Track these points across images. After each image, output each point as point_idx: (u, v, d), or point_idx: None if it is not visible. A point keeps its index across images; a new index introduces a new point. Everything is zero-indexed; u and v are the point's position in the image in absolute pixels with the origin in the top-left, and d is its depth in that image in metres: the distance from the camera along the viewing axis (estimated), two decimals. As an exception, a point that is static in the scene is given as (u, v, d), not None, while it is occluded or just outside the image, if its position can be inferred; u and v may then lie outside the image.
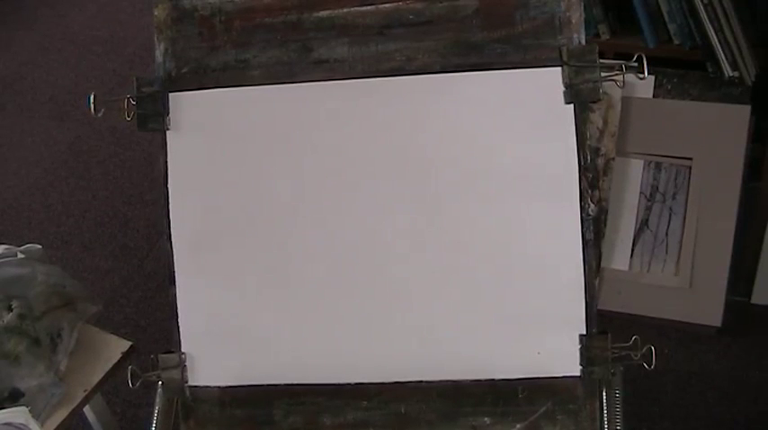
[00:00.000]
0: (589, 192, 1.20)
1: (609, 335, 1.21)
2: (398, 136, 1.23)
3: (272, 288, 1.27)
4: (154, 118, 1.26)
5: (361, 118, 1.24)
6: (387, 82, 1.22)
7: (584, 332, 1.21)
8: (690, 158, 1.97)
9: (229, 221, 1.27)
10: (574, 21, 1.19)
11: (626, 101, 1.96)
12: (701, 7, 1.78)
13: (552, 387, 1.23)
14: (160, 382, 1.30)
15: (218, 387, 1.29)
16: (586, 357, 1.21)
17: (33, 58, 3.19)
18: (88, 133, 2.82)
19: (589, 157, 1.20)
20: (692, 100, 1.96)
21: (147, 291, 2.30)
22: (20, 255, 1.48)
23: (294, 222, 1.26)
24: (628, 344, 1.21)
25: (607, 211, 2.00)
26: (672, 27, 1.88)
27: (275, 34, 1.24)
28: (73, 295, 1.46)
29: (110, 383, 1.45)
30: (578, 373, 1.22)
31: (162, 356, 1.28)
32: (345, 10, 1.23)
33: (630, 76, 1.21)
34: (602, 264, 2.02)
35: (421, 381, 1.25)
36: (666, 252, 2.00)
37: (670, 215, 2.00)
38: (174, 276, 1.27)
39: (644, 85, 1.96)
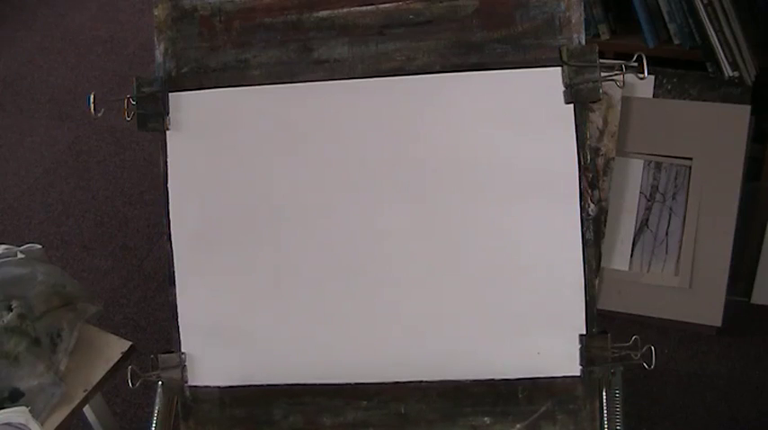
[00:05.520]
0: (589, 192, 1.20)
1: (609, 335, 1.21)
2: (398, 136, 1.23)
3: (271, 288, 1.27)
4: (154, 118, 1.26)
5: (361, 118, 1.24)
6: (387, 82, 1.22)
7: (584, 332, 1.21)
8: (690, 158, 1.97)
9: (229, 221, 1.27)
10: (574, 21, 1.19)
11: (626, 101, 1.96)
12: (701, 7, 1.78)
13: (552, 387, 1.23)
14: (160, 382, 1.30)
15: (218, 387, 1.29)
16: (586, 357, 1.21)
17: (33, 58, 3.19)
18: (88, 133, 2.82)
19: (589, 157, 1.20)
20: (692, 100, 1.96)
21: (147, 290, 2.30)
22: (20, 255, 1.48)
23: (294, 222, 1.26)
24: (628, 344, 1.21)
25: (607, 211, 2.00)
26: (672, 27, 1.88)
27: (275, 34, 1.24)
28: (73, 295, 1.46)
29: (110, 383, 1.45)
30: (578, 373, 1.22)
31: (162, 356, 1.28)
32: (345, 10, 1.23)
33: (630, 76, 1.21)
34: (602, 264, 2.02)
35: (421, 381, 1.25)
36: (666, 252, 1.99)
37: (670, 215, 1.99)
38: (174, 276, 1.27)
39: (644, 84, 1.96)
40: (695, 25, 1.83)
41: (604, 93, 1.81)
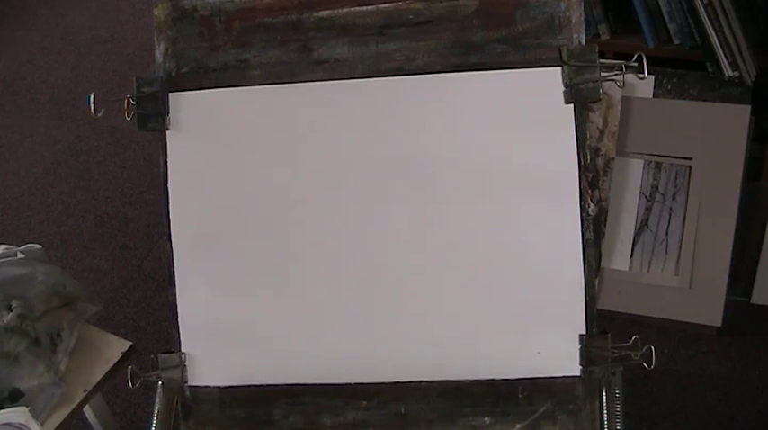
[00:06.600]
0: (589, 192, 1.20)
1: (609, 335, 1.21)
2: (398, 136, 1.23)
3: (271, 288, 1.27)
4: (154, 118, 1.26)
5: (360, 118, 1.24)
6: (387, 82, 1.22)
7: (584, 332, 1.21)
8: (690, 158, 1.97)
9: (229, 221, 1.27)
10: (574, 21, 1.19)
11: (626, 101, 1.96)
12: (701, 7, 1.78)
13: (552, 387, 1.23)
14: (160, 382, 1.30)
15: (218, 387, 1.29)
16: (586, 357, 1.21)
17: (33, 58, 3.19)
18: (88, 133, 2.82)
19: (589, 157, 1.20)
20: (692, 100, 1.96)
21: (147, 291, 2.30)
22: (20, 255, 1.48)
23: (294, 222, 1.26)
24: (628, 344, 1.21)
25: (607, 211, 2.00)
26: (672, 27, 1.88)
27: (275, 34, 1.24)
28: (73, 295, 1.46)
29: (110, 383, 1.45)
30: (578, 373, 1.22)
31: (162, 356, 1.28)
32: (345, 10, 1.23)
33: (630, 76, 1.21)
34: (602, 264, 2.02)
35: (421, 381, 1.25)
36: (666, 252, 1.99)
37: (670, 215, 1.99)
38: (174, 276, 1.27)
39: (644, 84, 1.96)
40: (695, 25, 1.82)
41: (604, 93, 1.81)
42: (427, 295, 1.24)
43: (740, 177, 1.93)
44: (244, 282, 1.27)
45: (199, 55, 1.26)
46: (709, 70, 1.87)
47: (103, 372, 1.42)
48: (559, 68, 1.19)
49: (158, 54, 1.26)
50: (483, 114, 1.21)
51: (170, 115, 1.26)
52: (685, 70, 1.97)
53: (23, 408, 1.30)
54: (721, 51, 1.81)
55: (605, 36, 1.96)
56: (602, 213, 2.00)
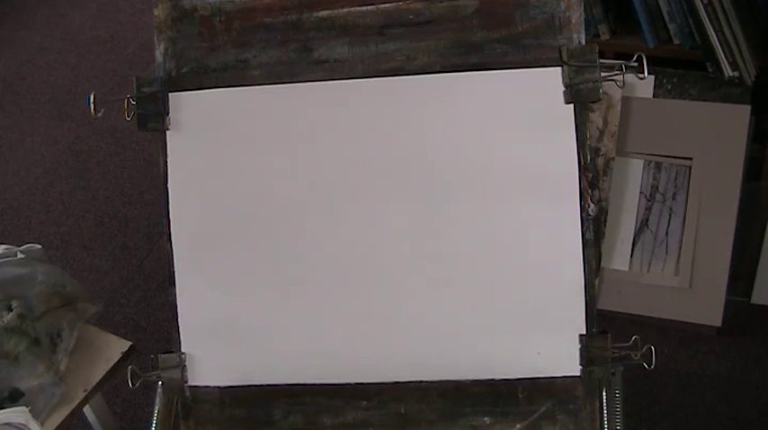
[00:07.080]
0: (589, 192, 1.20)
1: (609, 335, 1.21)
2: (398, 136, 1.23)
3: (271, 288, 1.27)
4: (154, 118, 1.26)
5: (360, 118, 1.24)
6: (387, 82, 1.22)
7: (584, 332, 1.21)
8: (690, 158, 1.97)
9: (229, 221, 1.27)
10: (574, 21, 1.19)
11: (626, 101, 1.96)
12: (701, 7, 1.78)
13: (552, 387, 1.23)
14: (160, 382, 1.30)
15: (218, 387, 1.29)
16: (586, 357, 1.21)
17: (33, 58, 3.19)
18: (88, 133, 2.82)
19: (589, 157, 1.20)
20: (692, 100, 1.96)
21: (147, 291, 2.30)
22: (20, 255, 1.48)
23: (294, 222, 1.26)
24: (628, 344, 1.21)
25: (607, 211, 2.00)
26: (672, 27, 1.88)
27: (275, 34, 1.24)
28: (73, 295, 1.46)
29: (110, 383, 1.45)
30: (578, 373, 1.22)
31: (162, 356, 1.28)
32: (345, 10, 1.23)
33: (630, 76, 1.21)
34: (602, 264, 2.02)
35: (421, 381, 1.25)
36: (666, 252, 1.99)
37: (670, 215, 1.99)
38: (174, 276, 1.27)
39: (644, 84, 1.96)
40: (695, 25, 1.83)
41: (604, 93, 1.81)
42: (427, 295, 1.24)
43: (740, 177, 1.93)
44: (244, 282, 1.27)
45: (199, 55, 1.26)
46: (709, 70, 1.87)
47: (103, 372, 1.42)
48: (559, 68, 1.19)
49: (158, 54, 1.27)
50: (483, 114, 1.21)
51: (170, 115, 1.26)
52: (685, 70, 1.97)
53: (23, 408, 1.30)
54: (721, 51, 1.81)
55: (605, 36, 1.96)
56: (602, 213, 2.00)
